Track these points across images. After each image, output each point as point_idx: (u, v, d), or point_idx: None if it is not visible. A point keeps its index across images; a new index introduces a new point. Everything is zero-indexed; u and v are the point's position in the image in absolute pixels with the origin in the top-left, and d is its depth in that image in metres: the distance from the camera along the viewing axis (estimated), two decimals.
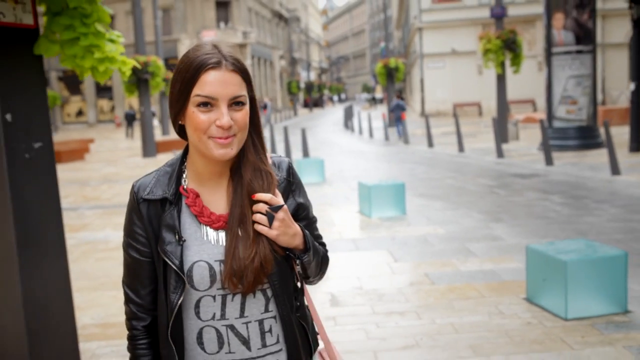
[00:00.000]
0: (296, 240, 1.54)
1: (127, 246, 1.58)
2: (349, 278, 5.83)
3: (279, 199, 1.53)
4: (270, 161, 1.60)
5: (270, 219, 1.49)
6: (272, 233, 1.49)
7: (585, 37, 15.85)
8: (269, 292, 1.54)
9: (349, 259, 6.51)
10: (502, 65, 18.50)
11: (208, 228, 1.53)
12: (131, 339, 1.61)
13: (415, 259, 6.41)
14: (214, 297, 1.50)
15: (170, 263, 1.49)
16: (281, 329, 1.56)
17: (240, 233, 1.49)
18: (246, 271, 1.46)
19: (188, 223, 1.53)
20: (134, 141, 27.27)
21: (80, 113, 45.60)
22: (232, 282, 1.47)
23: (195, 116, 1.44)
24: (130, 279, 1.60)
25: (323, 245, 1.70)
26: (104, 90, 45.52)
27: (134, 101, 35.71)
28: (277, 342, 1.55)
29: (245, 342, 1.52)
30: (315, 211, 5.37)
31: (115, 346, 4.46)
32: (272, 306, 1.54)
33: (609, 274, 4.58)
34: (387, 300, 5.17)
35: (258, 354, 1.53)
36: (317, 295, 5.32)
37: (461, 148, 16.54)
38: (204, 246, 1.51)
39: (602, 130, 15.77)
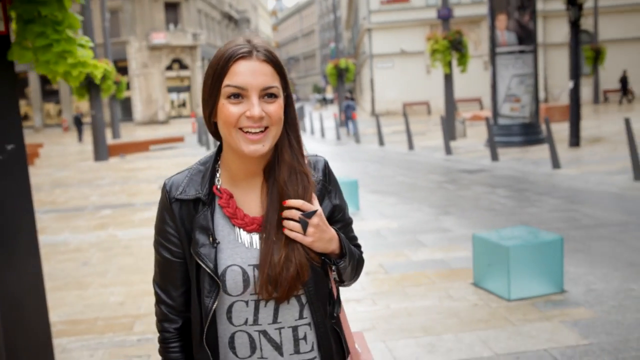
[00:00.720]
0: (332, 245, 1.49)
1: (158, 245, 1.53)
2: None
3: (311, 204, 1.47)
4: (306, 160, 1.53)
5: (304, 225, 1.43)
6: (307, 240, 1.44)
7: (527, 37, 16.52)
8: (304, 299, 1.49)
9: None
10: (449, 65, 19.08)
11: (241, 230, 1.47)
12: (162, 341, 1.56)
13: (369, 251, 6.73)
14: (246, 302, 1.46)
15: (204, 266, 1.45)
16: (315, 336, 1.50)
17: (274, 238, 1.45)
18: (281, 278, 1.42)
19: (222, 224, 1.48)
20: (83, 145, 26.95)
21: (25, 117, 44.56)
22: (267, 290, 1.43)
23: (225, 108, 1.40)
24: (162, 279, 1.55)
25: (358, 247, 1.66)
26: (50, 94, 44.60)
27: (81, 104, 35.19)
28: (312, 349, 1.50)
29: (278, 348, 1.48)
30: None
31: (84, 341, 4.63)
32: (306, 313, 1.50)
33: (547, 257, 4.98)
34: (344, 289, 5.46)
35: None
36: None
37: (411, 146, 17.01)
38: (237, 249, 1.46)
39: (544, 127, 16.46)
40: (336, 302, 1.55)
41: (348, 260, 1.53)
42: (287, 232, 1.44)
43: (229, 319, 1.47)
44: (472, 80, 32.13)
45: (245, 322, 1.47)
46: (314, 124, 28.77)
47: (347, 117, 24.51)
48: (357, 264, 1.61)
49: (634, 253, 5.99)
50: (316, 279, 1.48)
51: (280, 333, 1.47)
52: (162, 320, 1.55)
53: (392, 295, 5.22)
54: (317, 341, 1.51)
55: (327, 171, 1.58)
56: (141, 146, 21.71)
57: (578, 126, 14.93)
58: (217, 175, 1.51)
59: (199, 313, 1.48)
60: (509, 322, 4.46)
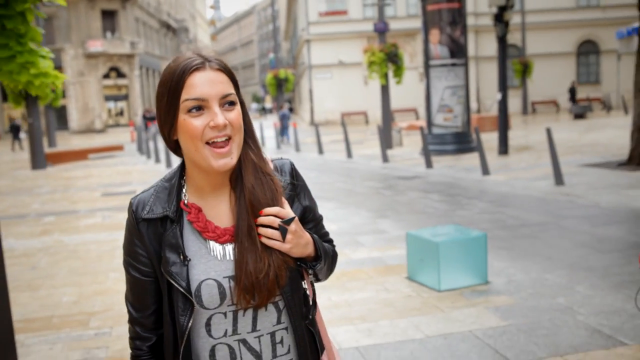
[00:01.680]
0: (308, 249, 1.50)
1: (127, 265, 1.52)
2: None
3: (287, 209, 1.48)
4: (271, 165, 1.55)
5: (284, 232, 1.44)
6: (285, 247, 1.44)
7: (458, 51, 17.36)
8: (281, 304, 1.49)
9: None
10: (385, 76, 19.76)
11: (214, 243, 1.47)
12: (135, 358, 1.56)
13: None
14: (224, 314, 1.45)
15: (176, 285, 1.43)
16: (292, 339, 1.52)
17: (249, 246, 1.44)
18: (259, 286, 1.41)
19: (192, 240, 1.47)
20: (16, 154, 26.41)
21: None
22: (245, 298, 1.42)
23: (188, 123, 1.39)
24: (133, 299, 1.54)
25: (331, 242, 1.67)
26: None
27: (13, 112, 34.36)
28: (288, 352, 1.52)
29: (258, 356, 1.48)
30: None
31: (42, 336, 4.84)
32: (284, 318, 1.50)
33: (473, 252, 5.50)
34: None
35: None
36: None
37: (349, 154, 17.56)
38: (210, 263, 1.45)
39: (475, 136, 17.32)
40: (312, 304, 1.56)
41: (324, 261, 1.55)
42: (264, 240, 1.44)
43: (208, 332, 1.46)
44: (408, 91, 33.14)
45: (225, 334, 1.46)
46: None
47: (283, 126, 25.14)
48: (332, 261, 1.63)
49: (550, 249, 6.61)
50: (292, 283, 1.49)
51: (259, 341, 1.48)
52: (134, 337, 1.55)
53: (333, 289, 5.63)
54: (294, 343, 1.52)
55: (294, 173, 1.58)
56: (80, 155, 21.53)
57: (506, 135, 15.80)
58: (184, 190, 1.50)
59: (172, 331, 1.47)
60: (439, 309, 4.94)
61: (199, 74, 1.39)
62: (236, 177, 1.48)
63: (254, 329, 1.47)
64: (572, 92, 33.13)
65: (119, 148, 24.02)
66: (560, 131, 20.92)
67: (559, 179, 10.54)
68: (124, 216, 9.81)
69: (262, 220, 1.44)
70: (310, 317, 1.56)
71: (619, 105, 35.22)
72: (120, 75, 45.24)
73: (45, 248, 7.98)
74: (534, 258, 6.29)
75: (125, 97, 46.15)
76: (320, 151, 19.42)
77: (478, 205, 9.41)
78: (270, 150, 23.14)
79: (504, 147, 15.73)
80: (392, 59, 19.56)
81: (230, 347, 1.47)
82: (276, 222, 1.43)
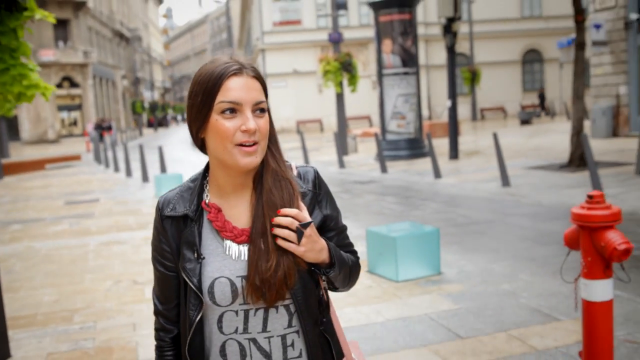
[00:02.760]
0: (322, 255, 1.52)
1: (154, 260, 1.61)
2: None
3: (305, 213, 1.52)
4: (295, 172, 1.61)
5: (300, 235, 1.47)
6: (299, 250, 1.47)
7: (409, 60, 18.08)
8: (292, 308, 1.52)
9: None
10: (340, 85, 20.36)
11: (231, 242, 1.52)
12: (158, 349, 1.64)
13: None
14: (236, 312, 1.50)
15: (188, 281, 1.50)
16: (304, 343, 1.54)
17: (262, 246, 1.48)
18: (268, 284, 1.45)
19: (210, 239, 1.53)
20: None
21: None
22: (255, 296, 1.47)
23: (220, 124, 1.45)
24: (159, 292, 1.63)
25: (354, 253, 1.70)
26: None
27: None
28: (300, 355, 1.55)
29: (267, 356, 1.52)
30: None
31: (29, 332, 5.14)
32: (295, 321, 1.53)
33: (427, 246, 6.05)
34: None
35: None
36: None
37: (307, 161, 18.06)
38: (225, 262, 1.50)
39: (427, 142, 18.06)
40: (324, 309, 1.59)
41: (338, 269, 1.55)
42: (280, 241, 1.47)
43: (220, 328, 1.52)
44: (362, 99, 33.91)
45: (236, 331, 1.51)
46: None
47: None
48: (351, 271, 1.65)
49: (496, 242, 7.22)
50: (305, 287, 1.51)
51: (269, 342, 1.51)
52: (158, 329, 1.64)
53: None
54: (306, 348, 1.54)
55: (317, 181, 1.61)
56: (37, 165, 21.46)
57: (456, 141, 16.55)
58: (206, 190, 1.57)
59: (185, 324, 1.54)
60: (398, 297, 5.46)
61: (236, 78, 1.46)
62: (258, 180, 1.54)
63: (264, 329, 1.51)
64: (542, 97, 34.51)
65: (77, 158, 23.99)
66: (507, 136, 21.88)
67: (505, 180, 11.24)
68: (91, 222, 10.12)
69: (280, 220, 1.48)
70: (324, 322, 1.58)
71: (562, 111, 36.70)
72: (74, 84, 44.80)
73: (17, 254, 8.21)
74: (482, 251, 6.88)
75: (79, 107, 45.68)
76: None
77: (431, 206, 10.01)
78: None
79: (454, 152, 16.47)
80: (346, 68, 20.18)
81: (240, 344, 1.51)
82: (294, 224, 1.47)
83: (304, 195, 1.57)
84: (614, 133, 18.56)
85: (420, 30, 34.46)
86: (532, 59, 40.20)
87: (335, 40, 20.63)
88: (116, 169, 19.28)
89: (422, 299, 5.38)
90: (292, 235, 1.47)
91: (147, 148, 18.19)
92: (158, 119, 63.33)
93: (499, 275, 5.95)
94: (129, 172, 17.43)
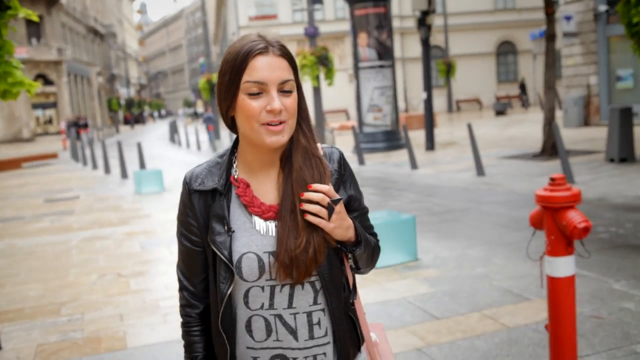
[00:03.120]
0: (349, 232, 1.53)
1: (180, 235, 1.60)
2: None
3: (333, 190, 1.51)
4: (321, 152, 1.60)
5: (331, 211, 1.47)
6: (329, 226, 1.47)
7: (385, 53, 18.30)
8: (318, 285, 1.52)
9: None
10: (317, 78, 20.51)
11: (258, 218, 1.52)
12: (185, 325, 1.64)
13: None
14: (262, 287, 1.50)
15: (219, 254, 1.50)
16: (329, 322, 1.54)
17: (291, 223, 1.48)
18: (298, 261, 1.45)
19: (238, 213, 1.53)
20: None
21: None
22: (285, 272, 1.46)
23: (246, 103, 1.46)
24: (184, 267, 1.62)
25: (374, 235, 1.70)
26: None
27: None
28: (325, 334, 1.54)
29: (293, 332, 1.52)
30: (162, 217, 7.27)
31: (18, 325, 5.25)
32: (321, 299, 1.53)
33: (404, 233, 6.25)
34: None
35: (305, 345, 1.52)
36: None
37: None
38: (253, 237, 1.50)
39: (404, 134, 18.32)
40: (352, 290, 1.60)
41: (364, 247, 1.57)
42: (309, 217, 1.47)
43: (246, 303, 1.52)
44: (338, 92, 34.09)
45: (262, 307, 1.51)
46: (189, 138, 29.33)
47: (207, 127, 27.25)
48: (373, 252, 1.65)
49: (471, 229, 7.46)
50: (331, 265, 1.52)
51: (295, 318, 1.51)
52: (184, 305, 1.63)
53: None
54: (332, 327, 1.54)
55: (342, 162, 1.62)
56: (13, 163, 21.35)
57: (432, 132, 16.81)
58: (234, 165, 1.58)
59: (216, 298, 1.54)
60: (377, 283, 5.66)
61: (261, 57, 1.46)
62: (286, 157, 1.55)
63: (290, 305, 1.51)
64: (522, 87, 34.99)
65: (54, 156, 23.87)
66: (482, 127, 22.23)
67: (480, 170, 11.51)
68: (73, 219, 10.19)
69: (311, 195, 1.48)
70: (350, 301, 1.59)
71: (535, 101, 37.23)
72: (48, 82, 44.38)
73: None
74: (457, 238, 7.11)
75: (54, 105, 45.28)
76: None
77: (408, 196, 10.24)
78: (206, 153, 23.53)
79: (430, 144, 16.73)
80: (323, 61, 20.32)
81: (266, 319, 1.51)
82: (326, 200, 1.47)
83: (330, 173, 1.56)
84: (586, 122, 18.97)
85: (396, 23, 34.71)
86: (506, 50, 40.71)
87: (312, 34, 20.77)
88: (94, 166, 19.26)
89: (399, 283, 5.59)
90: (323, 211, 1.46)
91: (125, 145, 18.21)
92: (135, 116, 62.95)
93: (474, 259, 6.17)
94: (107, 169, 17.44)
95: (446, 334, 4.33)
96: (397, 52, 34.69)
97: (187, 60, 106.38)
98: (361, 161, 14.97)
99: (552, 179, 3.17)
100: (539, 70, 32.91)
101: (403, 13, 37.66)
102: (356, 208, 1.63)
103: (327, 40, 32.43)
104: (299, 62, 20.33)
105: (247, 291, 1.51)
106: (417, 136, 19.49)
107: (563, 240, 3.19)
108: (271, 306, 1.51)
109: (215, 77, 29.07)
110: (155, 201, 11.83)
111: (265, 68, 1.45)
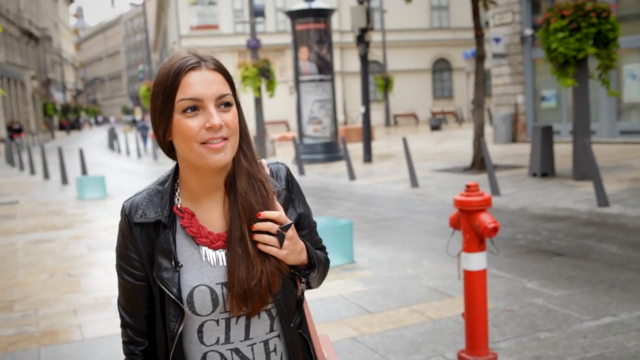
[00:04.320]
0: (302, 256, 1.48)
1: (120, 270, 1.51)
2: None
3: (284, 215, 1.46)
4: (267, 170, 1.54)
5: (281, 238, 1.41)
6: (282, 253, 1.42)
7: (325, 67, 18.92)
8: (274, 312, 1.47)
9: None
10: (258, 90, 20.92)
11: (207, 248, 1.45)
12: None
13: None
14: (217, 321, 1.43)
15: (167, 292, 1.42)
16: (285, 347, 1.51)
17: (241, 253, 1.42)
18: (251, 293, 1.39)
19: (185, 245, 1.45)
20: None
21: None
22: (238, 306, 1.40)
23: (182, 124, 1.36)
24: (126, 303, 1.53)
25: (323, 249, 1.66)
26: None
27: None
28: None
29: None
30: (107, 221, 7.76)
31: None
32: (276, 325, 1.49)
33: (341, 237, 6.76)
34: None
35: None
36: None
37: None
38: (203, 269, 1.43)
39: (342, 146, 18.96)
40: (300, 309, 1.55)
41: (317, 269, 1.53)
42: (261, 246, 1.42)
43: (200, 338, 1.45)
44: (279, 104, 34.55)
45: (217, 342, 1.44)
46: (129, 146, 29.18)
47: (142, 135, 27.79)
48: (324, 269, 1.61)
49: (404, 236, 8.04)
50: (285, 290, 1.46)
51: (252, 349, 1.46)
52: (127, 342, 1.54)
53: None
54: (287, 352, 1.50)
55: (289, 179, 1.57)
56: None
57: (370, 145, 17.49)
58: (177, 194, 1.48)
59: (164, 336, 1.46)
60: None
61: (194, 73, 1.37)
62: (230, 181, 1.47)
63: (247, 337, 1.46)
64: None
65: None
66: (417, 141, 23.13)
67: (414, 182, 12.18)
68: (15, 223, 10.28)
69: (259, 226, 1.42)
70: (301, 322, 1.54)
71: (469, 118, 38.68)
72: None
73: None
74: (390, 243, 7.67)
75: None
76: None
77: (346, 205, 10.79)
78: (147, 162, 23.55)
79: (368, 156, 17.40)
80: (264, 73, 20.76)
81: (222, 355, 1.45)
82: (274, 228, 1.41)
83: (278, 194, 1.51)
84: (513, 139, 20.07)
85: (335, 37, 35.51)
86: (441, 67, 42.20)
87: (253, 46, 21.18)
88: (32, 171, 19.07)
89: (337, 283, 6.08)
90: (273, 240, 1.42)
91: (63, 151, 18.11)
92: (71, 122, 61.68)
93: (405, 262, 6.73)
94: (46, 175, 17.34)
95: (378, 326, 4.84)
96: (337, 66, 35.48)
97: (126, 67, 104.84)
98: (301, 171, 15.47)
99: (468, 186, 3.72)
100: (472, 87, 34.23)
101: (343, 28, 38.55)
102: (306, 225, 1.59)
103: (268, 52, 32.92)
104: (241, 73, 20.71)
105: (201, 326, 1.44)
106: (356, 148, 20.17)
107: (476, 238, 3.75)
108: (227, 340, 1.45)
109: None
110: (99, 206, 11.98)
111: (199, 83, 1.37)
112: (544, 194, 10.38)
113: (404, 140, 12.69)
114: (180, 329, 1.43)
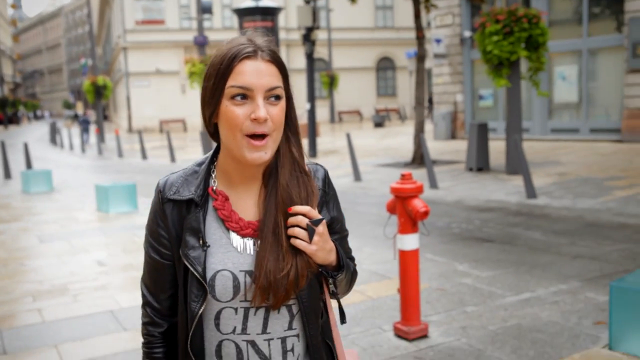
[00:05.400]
0: (332, 256, 1.44)
1: (148, 246, 1.51)
2: (92, 253, 7.60)
3: (314, 211, 1.41)
4: (306, 169, 1.49)
5: (311, 233, 1.39)
6: (311, 248, 1.38)
7: None
8: (294, 309, 1.45)
9: (101, 241, 8.23)
10: None
11: (235, 234, 1.43)
12: (147, 345, 1.53)
13: None
14: (235, 309, 1.41)
15: (192, 269, 1.40)
16: (304, 348, 1.48)
17: (273, 244, 1.39)
18: (277, 285, 1.37)
19: (214, 227, 1.44)
20: None
21: None
22: (261, 296, 1.38)
23: (229, 110, 1.36)
24: (150, 281, 1.52)
25: (352, 259, 1.62)
26: None
27: None
28: None
29: None
30: (55, 215, 8.18)
31: None
32: (296, 324, 1.46)
33: None
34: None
35: None
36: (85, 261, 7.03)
37: (173, 159, 18.68)
38: (229, 254, 1.42)
39: None
40: (341, 313, 1.52)
41: (345, 272, 1.49)
42: (293, 240, 1.39)
43: (217, 325, 1.43)
44: None
45: (233, 331, 1.42)
46: (72, 140, 28.84)
47: (83, 129, 27.95)
48: (352, 277, 1.57)
49: (347, 225, 8.49)
50: (310, 289, 1.44)
51: (269, 344, 1.43)
52: (147, 323, 1.52)
53: None
54: (308, 354, 1.48)
55: (327, 181, 1.54)
56: None
57: (315, 141, 18.01)
58: (213, 176, 1.48)
59: (185, 317, 1.44)
60: None
61: (249, 62, 1.37)
62: (270, 172, 1.45)
63: (264, 330, 1.43)
64: (430, 101, 37.06)
65: None
66: (361, 137, 23.73)
67: (357, 176, 12.69)
68: None
69: (291, 220, 1.40)
70: (325, 324, 1.52)
71: (412, 115, 39.66)
72: None
73: None
74: None
75: None
76: (144, 156, 20.26)
77: None
78: (91, 157, 23.40)
79: (312, 151, 17.88)
80: None
81: (237, 346, 1.43)
82: (304, 221, 1.39)
83: (317, 195, 1.48)
84: (453, 136, 20.88)
85: (282, 35, 35.87)
86: (385, 66, 43.07)
87: (201, 43, 21.38)
88: None
89: None
90: (303, 233, 1.39)
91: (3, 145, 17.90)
92: (8, 116, 60.02)
93: None
94: (7, 175, 17.13)
95: None
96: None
97: (66, 60, 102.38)
98: None
99: (402, 175, 4.19)
100: (415, 86, 35.19)
101: (289, 26, 38.92)
102: (338, 230, 1.56)
103: (214, 47, 32.58)
104: (188, 69, 20.86)
105: (219, 312, 1.42)
106: None
107: (409, 221, 4.21)
108: (244, 330, 1.42)
109: (100, 80, 28.81)
110: (46, 200, 12.04)
111: (251, 73, 1.36)
112: (479, 187, 11.03)
113: (348, 137, 13.18)
114: (202, 310, 1.41)
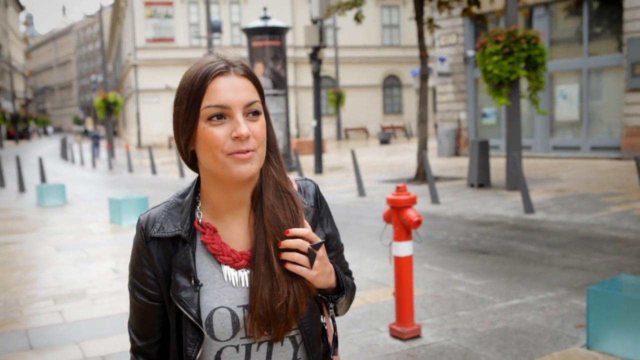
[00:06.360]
0: (332, 279, 1.38)
1: (133, 288, 1.40)
2: (107, 262, 8.00)
3: (313, 233, 1.35)
4: (295, 185, 1.44)
5: (312, 258, 1.31)
6: (312, 274, 1.31)
7: (279, 83, 19.74)
8: (298, 339, 1.37)
9: (115, 250, 8.63)
10: None
11: (228, 268, 1.34)
12: None
13: None
14: (237, 347, 1.33)
15: (186, 313, 1.31)
16: None
17: (266, 272, 1.31)
18: (275, 316, 1.29)
19: (205, 263, 1.35)
20: None
21: None
22: (259, 329, 1.30)
23: (207, 132, 1.27)
24: (138, 326, 1.42)
25: (350, 273, 1.57)
26: None
27: None
28: None
29: None
30: (70, 227, 8.76)
31: None
32: (301, 353, 1.38)
33: None
34: None
35: None
36: (100, 267, 7.42)
37: (182, 174, 19.11)
38: (224, 289, 1.33)
39: (294, 158, 19.78)
40: (333, 343, 1.47)
41: (345, 294, 1.44)
42: (289, 265, 1.31)
43: None
44: None
45: None
46: (84, 156, 29.39)
47: (94, 144, 29.04)
48: (352, 294, 1.52)
49: (349, 237, 8.87)
50: (311, 315, 1.38)
51: None
52: None
53: None
54: None
55: (318, 197, 1.47)
56: None
57: (321, 157, 18.37)
58: (198, 208, 1.39)
59: None
60: None
61: (222, 79, 1.29)
62: (257, 196, 1.38)
63: None
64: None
65: None
66: (367, 154, 24.14)
67: (361, 191, 13.06)
68: None
69: (288, 243, 1.32)
70: (333, 353, 1.46)
71: (417, 132, 40.09)
72: None
73: None
74: None
75: None
76: (154, 172, 20.71)
77: None
78: (102, 172, 23.88)
79: (319, 167, 18.26)
80: None
81: None
82: (306, 245, 1.32)
83: (306, 212, 1.41)
84: (456, 153, 21.26)
85: (289, 53, 36.42)
86: (391, 84, 43.61)
87: None
88: None
89: None
90: (304, 259, 1.31)
91: (11, 160, 18.37)
92: (19, 132, 60.85)
93: (349, 259, 7.51)
94: (2, 183, 17.61)
95: None
96: (290, 81, 36.39)
97: (77, 76, 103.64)
98: None
99: (397, 187, 4.56)
100: None
101: (297, 44, 39.52)
102: (334, 247, 1.50)
103: None
104: None
105: (219, 352, 1.34)
106: (307, 160, 21.00)
107: (404, 230, 4.59)
108: None
109: (111, 97, 29.38)
110: (60, 213, 12.47)
111: (227, 90, 1.28)
112: (479, 202, 11.38)
113: (353, 153, 13.58)
114: (199, 355, 1.32)
